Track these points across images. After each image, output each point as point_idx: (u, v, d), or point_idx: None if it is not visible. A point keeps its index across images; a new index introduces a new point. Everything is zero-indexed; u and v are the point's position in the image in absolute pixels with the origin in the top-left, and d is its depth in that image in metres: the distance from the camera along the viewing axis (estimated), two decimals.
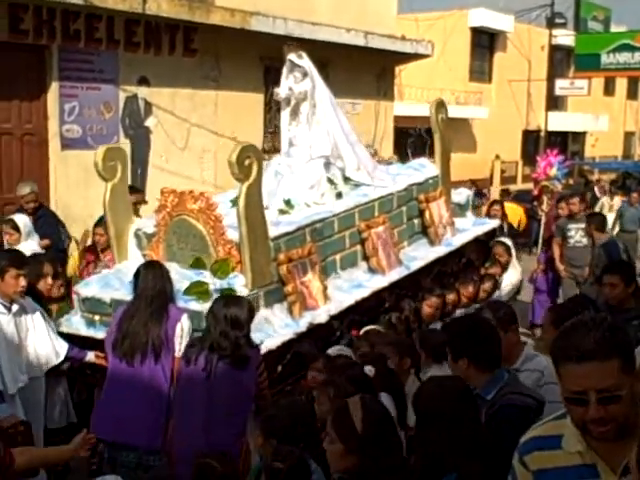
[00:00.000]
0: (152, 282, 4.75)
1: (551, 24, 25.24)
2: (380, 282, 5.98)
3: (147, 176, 10.30)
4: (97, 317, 5.35)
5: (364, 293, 5.78)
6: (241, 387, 4.33)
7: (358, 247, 6.09)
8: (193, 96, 10.77)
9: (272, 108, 11.62)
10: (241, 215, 4.97)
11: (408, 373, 4.69)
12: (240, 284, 5.03)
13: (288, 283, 5.25)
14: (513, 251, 7.68)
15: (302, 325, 5.18)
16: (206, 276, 4.99)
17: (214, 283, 4.91)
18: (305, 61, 6.17)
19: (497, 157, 23.52)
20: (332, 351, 5.12)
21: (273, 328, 5.10)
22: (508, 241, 7.71)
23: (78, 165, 9.05)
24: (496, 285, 6.78)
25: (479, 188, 18.03)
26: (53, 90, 9.14)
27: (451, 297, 6.28)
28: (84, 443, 3.51)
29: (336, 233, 5.87)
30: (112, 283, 5.44)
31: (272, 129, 11.68)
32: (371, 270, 6.06)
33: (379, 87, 14.01)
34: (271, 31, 10.71)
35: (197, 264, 5.07)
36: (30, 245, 6.70)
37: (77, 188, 9.26)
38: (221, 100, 11.02)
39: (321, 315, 5.34)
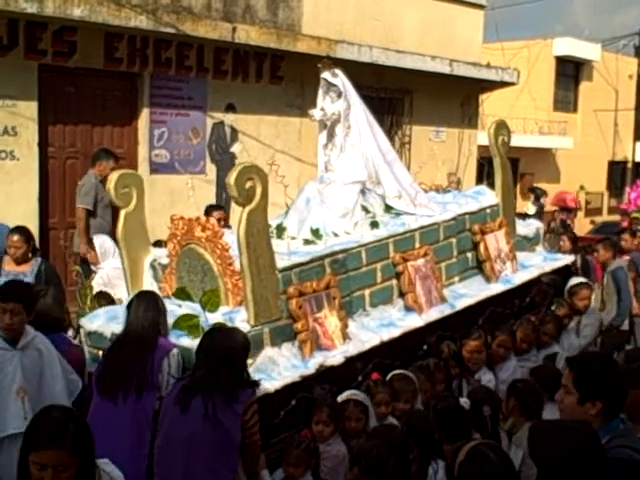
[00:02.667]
0: (143, 314, 4.39)
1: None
2: (415, 321, 5.35)
3: (231, 200, 10.19)
4: (101, 352, 5.00)
5: (394, 333, 5.16)
6: (225, 432, 3.83)
7: (393, 282, 5.49)
8: (277, 123, 10.94)
9: None
10: (242, 243, 4.51)
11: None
12: (241, 319, 4.56)
13: (298, 319, 4.72)
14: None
15: (311, 367, 4.62)
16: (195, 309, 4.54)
17: (205, 317, 4.44)
18: (340, 79, 5.69)
19: (581, 188, 22.33)
20: (343, 396, 4.57)
21: (278, 369, 4.57)
22: (589, 281, 6.86)
23: (165, 189, 9.19)
24: (560, 327, 6.00)
25: (564, 219, 17.07)
26: (144, 116, 9.52)
27: (503, 338, 5.57)
28: None
29: (365, 265, 5.29)
30: (120, 316, 5.07)
31: None
32: (407, 308, 5.44)
33: (463, 115, 13.76)
34: (356, 59, 10.83)
35: (180, 295, 4.63)
36: (112, 263, 6.51)
37: (162, 212, 9.13)
38: (305, 127, 10.93)
39: (336, 356, 4.76)
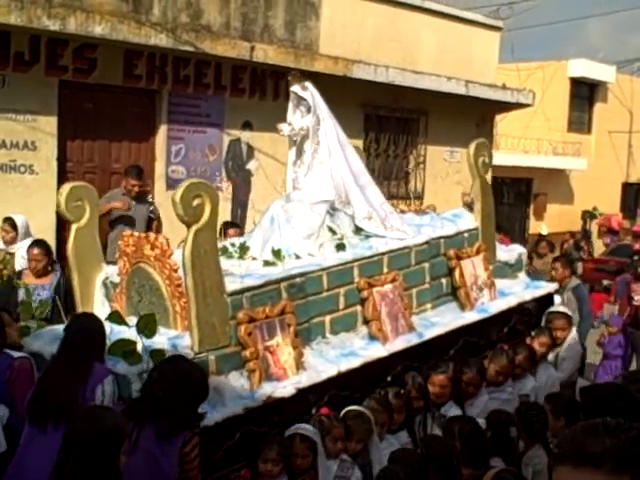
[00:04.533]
0: (81, 335, 4.11)
1: None
2: (378, 351, 5.04)
3: (246, 217, 10.53)
4: None
5: (354, 363, 4.85)
6: (158, 468, 3.55)
7: (357, 308, 5.19)
8: None
9: (371, 154, 11.98)
10: (187, 264, 4.23)
11: None
12: (184, 345, 4.27)
13: (247, 347, 4.42)
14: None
15: (257, 398, 4.33)
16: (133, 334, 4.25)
17: (142, 342, 4.16)
18: (309, 93, 5.42)
19: (594, 209, 22.05)
20: (291, 430, 4.28)
21: (222, 400, 4.28)
22: (568, 311, 6.53)
23: None
24: (533, 358, 5.68)
25: (578, 241, 16.81)
26: (161, 132, 9.67)
27: (470, 375, 5.26)
28: None
29: (326, 290, 5.00)
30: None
31: (370, 174, 11.50)
32: (371, 336, 5.14)
33: (478, 135, 13.26)
34: (373, 79, 11.04)
35: (114, 319, 4.35)
36: (26, 244, 6.93)
37: (179, 228, 9.02)
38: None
39: (286, 387, 4.46)
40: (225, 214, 9.69)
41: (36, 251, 6.55)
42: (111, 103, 9.20)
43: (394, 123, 12.55)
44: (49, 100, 8.53)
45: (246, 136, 10.52)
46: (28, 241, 7.10)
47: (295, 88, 5.46)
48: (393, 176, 12.75)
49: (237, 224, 8.42)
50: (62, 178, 8.70)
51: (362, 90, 11.24)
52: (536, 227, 20.27)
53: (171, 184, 9.56)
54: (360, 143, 11.61)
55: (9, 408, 4.23)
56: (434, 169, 13.10)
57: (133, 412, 3.69)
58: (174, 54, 9.30)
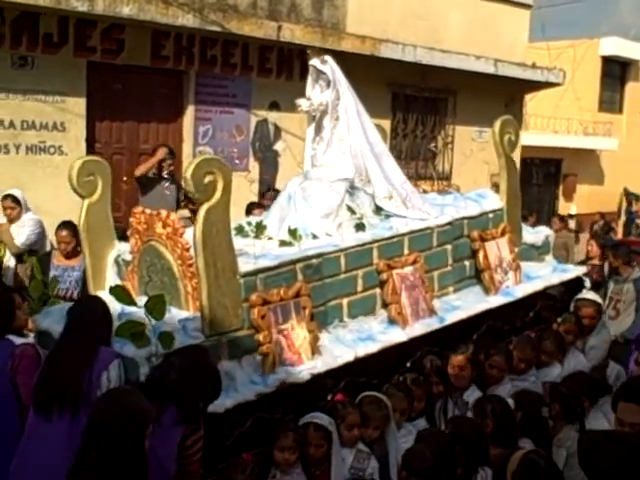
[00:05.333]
0: (85, 319, 3.94)
1: None
2: (397, 336, 4.86)
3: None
4: None
5: (371, 348, 4.67)
6: (156, 462, 3.39)
7: (376, 291, 5.00)
8: None
9: (399, 134, 11.96)
10: (198, 244, 4.06)
11: None
12: (194, 327, 4.12)
13: (260, 330, 4.26)
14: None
15: (270, 384, 4.17)
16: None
17: (151, 324, 4.00)
18: (329, 67, 5.20)
19: (625, 190, 21.55)
20: (305, 419, 4.12)
21: (235, 385, 4.12)
22: (598, 298, 6.27)
23: None
24: (562, 345, 5.47)
25: (608, 222, 16.43)
26: (189, 113, 9.66)
27: (497, 359, 5.07)
28: None
29: (343, 272, 4.81)
30: None
31: (397, 154, 11.55)
32: (390, 320, 4.95)
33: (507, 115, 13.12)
34: (400, 58, 10.94)
35: (117, 294, 4.17)
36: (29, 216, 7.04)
37: None
38: None
39: (301, 373, 4.29)
40: (252, 195, 9.66)
41: (64, 233, 6.44)
42: (139, 84, 9.19)
43: (422, 103, 12.38)
44: (78, 81, 8.57)
45: (273, 116, 10.42)
46: (30, 214, 7.15)
47: (314, 62, 5.25)
48: (420, 156, 12.62)
49: (262, 204, 8.29)
50: None
51: (389, 69, 11.12)
52: (566, 208, 19.90)
53: None
54: (387, 123, 11.58)
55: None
56: (462, 149, 12.92)
57: None
58: (201, 34, 9.27)
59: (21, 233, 7.02)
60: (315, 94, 5.31)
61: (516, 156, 13.35)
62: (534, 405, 4.51)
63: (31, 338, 4.46)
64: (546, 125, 20.26)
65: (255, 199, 9.46)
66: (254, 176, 10.24)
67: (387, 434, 4.32)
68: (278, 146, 10.61)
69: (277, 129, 10.52)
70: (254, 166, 10.35)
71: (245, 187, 9.68)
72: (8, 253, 7.04)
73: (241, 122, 10.18)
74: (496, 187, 9.93)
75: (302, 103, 5.31)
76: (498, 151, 5.85)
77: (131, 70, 8.99)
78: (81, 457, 2.84)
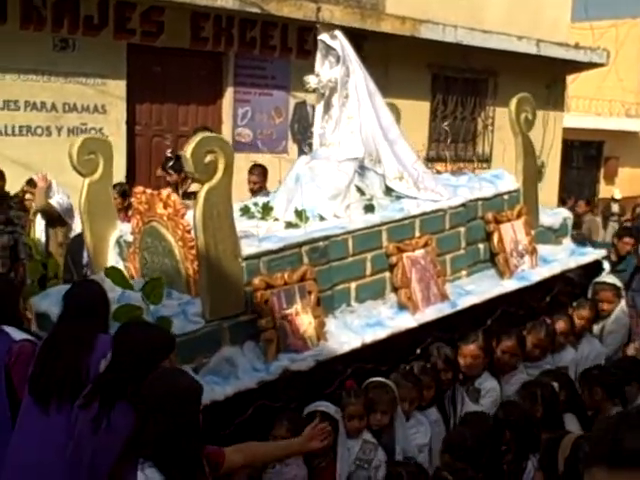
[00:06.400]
0: (81, 304, 3.79)
1: None
2: (407, 321, 4.69)
3: None
4: None
5: (380, 334, 4.51)
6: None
7: (386, 275, 4.83)
8: None
9: (438, 116, 11.85)
10: (198, 226, 3.91)
11: None
12: (193, 312, 3.97)
13: (263, 315, 4.11)
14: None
15: (273, 371, 4.02)
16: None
17: (148, 309, 3.86)
18: (339, 42, 5.00)
19: None
20: (310, 408, 3.97)
21: (236, 372, 3.99)
22: (617, 281, 6.07)
23: (246, 168, 8.88)
24: (572, 328, 5.30)
25: None
26: (228, 95, 9.72)
27: (508, 344, 4.90)
28: (316, 434, 3.27)
29: (351, 255, 4.64)
30: None
31: (437, 137, 11.90)
32: (400, 305, 4.79)
33: (549, 97, 13.28)
34: (441, 39, 10.84)
35: (113, 275, 4.02)
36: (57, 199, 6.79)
37: (243, 190, 9.00)
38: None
39: (305, 360, 4.14)
40: None
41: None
42: (178, 66, 9.24)
43: (462, 84, 12.24)
44: (118, 64, 8.62)
45: (312, 98, 10.15)
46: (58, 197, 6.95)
47: (323, 37, 5.07)
48: (460, 139, 12.46)
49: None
50: (131, 141, 8.93)
51: (429, 51, 11.04)
52: (607, 191, 19.50)
53: (238, 147, 9.46)
54: (427, 105, 11.68)
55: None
56: (503, 131, 12.60)
57: (100, 388, 3.30)
58: (240, 16, 9.28)
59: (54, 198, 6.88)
60: (324, 70, 5.13)
61: (557, 138, 13.32)
62: (571, 383, 4.56)
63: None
64: (587, 107, 19.81)
65: None
66: (293, 158, 10.06)
67: (395, 421, 4.16)
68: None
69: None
70: (292, 148, 10.32)
71: (284, 169, 9.58)
72: (39, 228, 6.86)
73: (280, 104, 10.20)
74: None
75: (310, 80, 5.13)
76: (514, 130, 5.64)
77: (170, 52, 9.06)
78: (136, 437, 2.82)
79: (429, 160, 10.26)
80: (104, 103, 8.56)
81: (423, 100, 11.59)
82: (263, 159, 9.19)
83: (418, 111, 11.25)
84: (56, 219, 6.79)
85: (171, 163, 7.66)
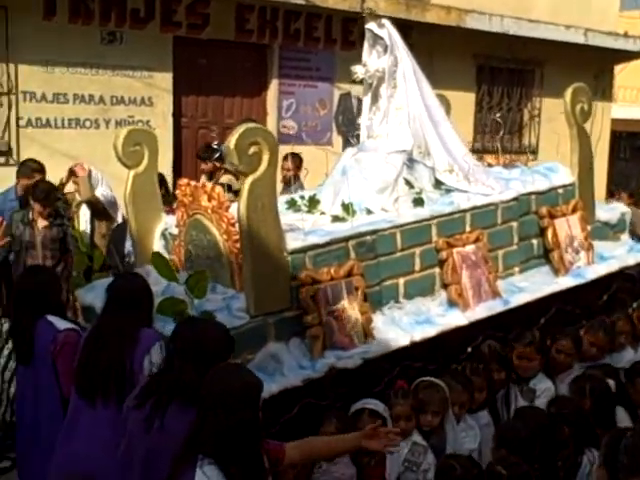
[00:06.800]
0: (124, 298, 3.71)
1: None
2: (457, 319, 4.54)
3: None
4: None
5: (429, 332, 4.37)
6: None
7: (435, 270, 4.68)
8: None
9: (483, 107, 11.73)
10: (242, 219, 3.81)
11: None
12: (238, 307, 3.88)
13: (309, 311, 4.00)
14: None
15: (319, 369, 3.91)
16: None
17: (192, 302, 3.77)
18: (386, 31, 4.87)
19: None
20: (358, 405, 3.84)
21: (281, 369, 3.88)
22: None
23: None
24: (632, 326, 5.10)
25: None
26: (273, 87, 9.67)
27: (564, 343, 4.71)
28: (378, 434, 3.20)
29: (399, 250, 4.51)
30: None
31: (482, 129, 11.74)
32: (450, 302, 4.64)
33: (597, 87, 12.76)
34: (487, 29, 10.70)
35: (157, 262, 3.93)
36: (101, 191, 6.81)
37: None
38: None
39: (352, 357, 4.02)
40: None
41: None
42: (223, 58, 9.23)
43: (508, 75, 12.05)
44: (164, 56, 8.64)
45: (356, 90, 10.00)
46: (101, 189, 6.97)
47: (371, 26, 4.93)
48: (506, 130, 12.25)
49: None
50: (177, 133, 8.92)
51: (475, 41, 10.88)
52: None
53: (282, 139, 9.42)
54: (472, 96, 11.50)
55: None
56: (549, 122, 12.42)
57: (154, 388, 3.17)
58: (285, 8, 9.26)
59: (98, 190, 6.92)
60: (372, 60, 4.99)
61: (605, 130, 12.98)
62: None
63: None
64: (635, 97, 19.26)
65: None
66: (337, 150, 10.01)
67: (446, 424, 4.01)
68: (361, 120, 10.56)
69: (360, 102, 10.14)
70: (337, 140, 10.27)
71: (330, 161, 9.54)
72: (83, 220, 6.87)
73: (324, 96, 10.15)
74: None
75: (357, 70, 5.00)
76: (570, 121, 5.44)
77: (216, 44, 9.04)
78: (196, 434, 2.78)
79: (474, 152, 10.03)
80: (151, 95, 8.59)
81: (468, 91, 11.40)
82: (307, 151, 9.12)
83: (463, 102, 10.99)
84: (101, 211, 6.79)
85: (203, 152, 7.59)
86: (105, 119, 8.33)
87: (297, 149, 8.75)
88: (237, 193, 6.94)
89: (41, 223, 5.98)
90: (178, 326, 3.30)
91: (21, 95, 7.76)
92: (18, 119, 7.76)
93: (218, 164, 7.48)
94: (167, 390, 3.12)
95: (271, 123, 9.59)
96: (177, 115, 8.95)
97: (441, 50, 10.34)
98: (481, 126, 11.76)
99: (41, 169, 6.54)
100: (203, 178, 7.51)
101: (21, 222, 5.99)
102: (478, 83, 11.65)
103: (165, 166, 8.01)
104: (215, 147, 7.71)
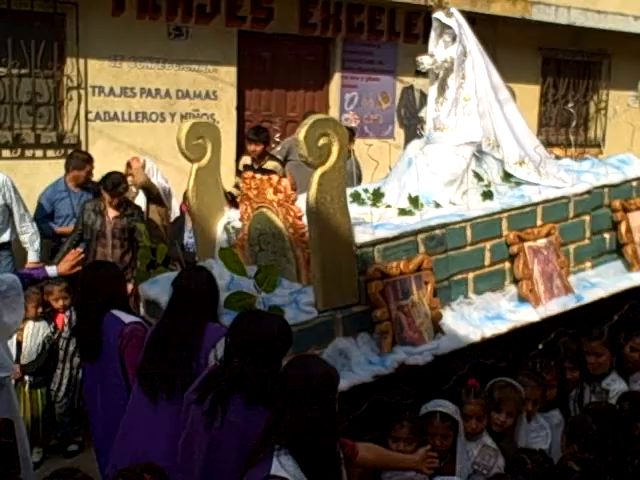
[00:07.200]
0: (189, 292, 3.66)
1: None
2: (529, 315, 4.41)
3: None
4: None
5: (500, 328, 4.25)
6: (256, 434, 3.07)
7: (506, 265, 4.55)
8: None
9: (549, 100, 11.55)
10: (310, 212, 3.73)
11: None
12: (306, 302, 3.81)
13: (378, 306, 3.91)
14: None
15: (388, 365, 3.82)
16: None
17: (260, 297, 3.71)
18: (454, 20, 4.74)
19: None
20: (428, 406, 3.74)
21: (349, 365, 3.81)
22: None
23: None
24: None
25: None
26: (335, 80, 9.64)
27: (638, 341, 4.55)
28: (427, 458, 3.24)
29: (469, 244, 4.39)
30: None
31: (546, 121, 11.57)
32: (521, 298, 4.50)
33: None
34: (553, 20, 10.54)
35: (226, 256, 3.86)
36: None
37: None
38: None
39: (422, 354, 3.92)
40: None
41: None
42: (287, 52, 9.25)
43: (574, 67, 11.84)
44: (229, 50, 8.68)
45: (419, 83, 10.07)
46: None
47: (438, 15, 4.80)
48: (572, 122, 12.02)
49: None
50: (241, 127, 8.88)
51: (541, 33, 10.74)
52: None
53: None
54: (537, 89, 11.31)
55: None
56: (616, 115, 12.16)
57: (214, 382, 3.13)
58: (348, 1, 9.25)
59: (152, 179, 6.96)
60: (439, 50, 4.87)
61: None
62: None
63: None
64: None
65: None
66: (399, 143, 9.98)
67: (518, 425, 3.89)
68: (423, 113, 10.38)
69: (423, 96, 10.16)
70: (399, 133, 10.20)
71: (393, 154, 9.50)
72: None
73: (387, 89, 10.08)
74: None
75: (424, 60, 4.88)
76: None
77: (279, 38, 9.07)
78: (275, 422, 2.76)
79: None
80: (215, 89, 8.62)
81: (533, 84, 11.18)
82: (370, 144, 9.03)
83: (528, 95, 10.86)
84: (155, 196, 6.80)
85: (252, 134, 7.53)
86: (171, 113, 8.38)
87: (359, 142, 8.70)
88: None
89: (112, 213, 6.02)
90: (236, 320, 3.23)
91: (90, 89, 7.84)
92: (87, 113, 7.84)
93: (266, 148, 7.42)
94: (227, 385, 3.07)
95: (333, 116, 9.47)
96: (240, 108, 8.97)
97: (505, 42, 10.15)
98: (546, 119, 11.56)
99: (90, 159, 6.61)
100: (246, 159, 7.45)
101: (93, 211, 6.04)
102: (543, 75, 11.47)
103: (228, 159, 8.06)
104: (266, 129, 7.64)
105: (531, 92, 11.07)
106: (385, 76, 9.98)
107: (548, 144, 10.40)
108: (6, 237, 6.06)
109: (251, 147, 7.33)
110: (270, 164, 7.20)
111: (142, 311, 4.54)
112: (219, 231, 4.75)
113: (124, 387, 3.79)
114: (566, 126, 11.57)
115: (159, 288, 4.37)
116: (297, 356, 3.00)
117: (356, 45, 9.62)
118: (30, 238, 6.12)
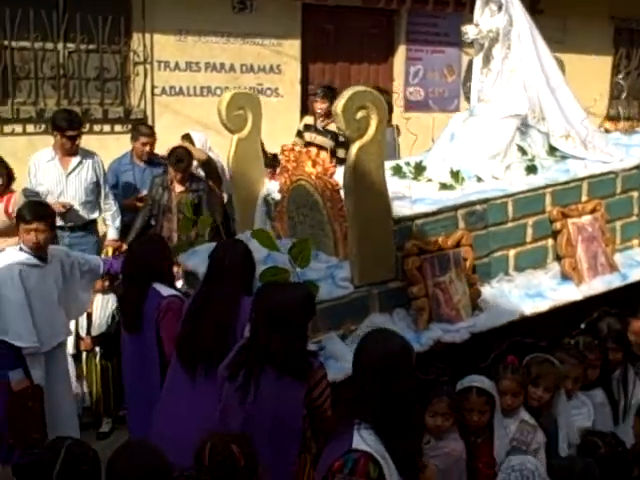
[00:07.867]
0: (226, 265, 3.65)
1: None
2: (571, 293, 4.32)
3: None
4: None
5: (541, 307, 4.17)
6: (279, 418, 3.09)
7: (548, 242, 4.45)
8: None
9: (621, 72, 11.22)
10: (348, 184, 3.69)
11: None
12: (342, 277, 3.77)
13: (415, 282, 3.86)
14: None
15: (424, 342, 3.78)
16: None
17: (295, 272, 3.69)
18: None
19: None
20: (465, 382, 3.69)
21: None
22: None
23: (417, 128, 8.83)
24: None
25: None
26: (400, 53, 9.48)
27: None
28: None
29: (511, 220, 4.30)
30: None
31: (617, 94, 11.14)
32: (563, 276, 4.40)
33: None
34: None
35: (259, 237, 3.85)
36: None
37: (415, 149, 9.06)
38: (566, 62, 10.04)
39: (459, 331, 3.87)
40: None
41: None
42: (350, 25, 9.11)
43: None
44: (293, 24, 8.61)
45: None
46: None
47: None
48: (632, 95, 11.59)
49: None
50: (305, 100, 8.83)
51: (613, 2, 10.36)
52: None
53: (409, 106, 9.41)
54: (609, 60, 10.99)
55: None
56: None
57: (244, 358, 3.15)
58: None
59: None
60: (484, 20, 4.75)
61: None
62: None
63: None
64: None
65: None
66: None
67: (556, 400, 3.81)
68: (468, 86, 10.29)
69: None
70: (465, 107, 9.96)
71: None
72: None
73: (452, 61, 9.88)
74: None
75: (469, 30, 4.76)
76: None
77: (343, 11, 8.93)
78: (356, 397, 2.75)
79: (610, 119, 9.50)
80: (279, 63, 8.59)
81: (605, 55, 10.84)
82: (435, 118, 8.91)
83: (599, 66, 10.59)
84: (214, 171, 6.77)
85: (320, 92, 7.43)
86: (235, 87, 8.19)
87: (423, 116, 8.62)
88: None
89: (178, 188, 6.01)
90: (257, 291, 3.23)
91: (156, 64, 7.86)
92: (153, 88, 7.87)
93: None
94: (257, 359, 3.07)
95: (397, 89, 9.44)
96: (304, 82, 8.89)
97: (576, 12, 9.90)
98: (617, 91, 11.14)
99: (148, 133, 6.60)
100: (309, 120, 7.40)
101: (160, 186, 6.06)
102: (615, 46, 11.09)
103: (292, 134, 7.95)
104: (335, 89, 7.53)
105: (602, 63, 10.76)
106: (451, 48, 9.75)
107: (619, 118, 10.13)
108: (96, 214, 6.13)
109: (318, 104, 7.28)
110: (333, 126, 7.12)
111: (181, 282, 4.57)
112: (259, 203, 4.74)
113: (158, 360, 3.82)
114: (637, 99, 11.22)
115: (198, 259, 4.37)
116: (372, 330, 2.99)
117: (421, 17, 9.44)
118: (112, 215, 6.14)
